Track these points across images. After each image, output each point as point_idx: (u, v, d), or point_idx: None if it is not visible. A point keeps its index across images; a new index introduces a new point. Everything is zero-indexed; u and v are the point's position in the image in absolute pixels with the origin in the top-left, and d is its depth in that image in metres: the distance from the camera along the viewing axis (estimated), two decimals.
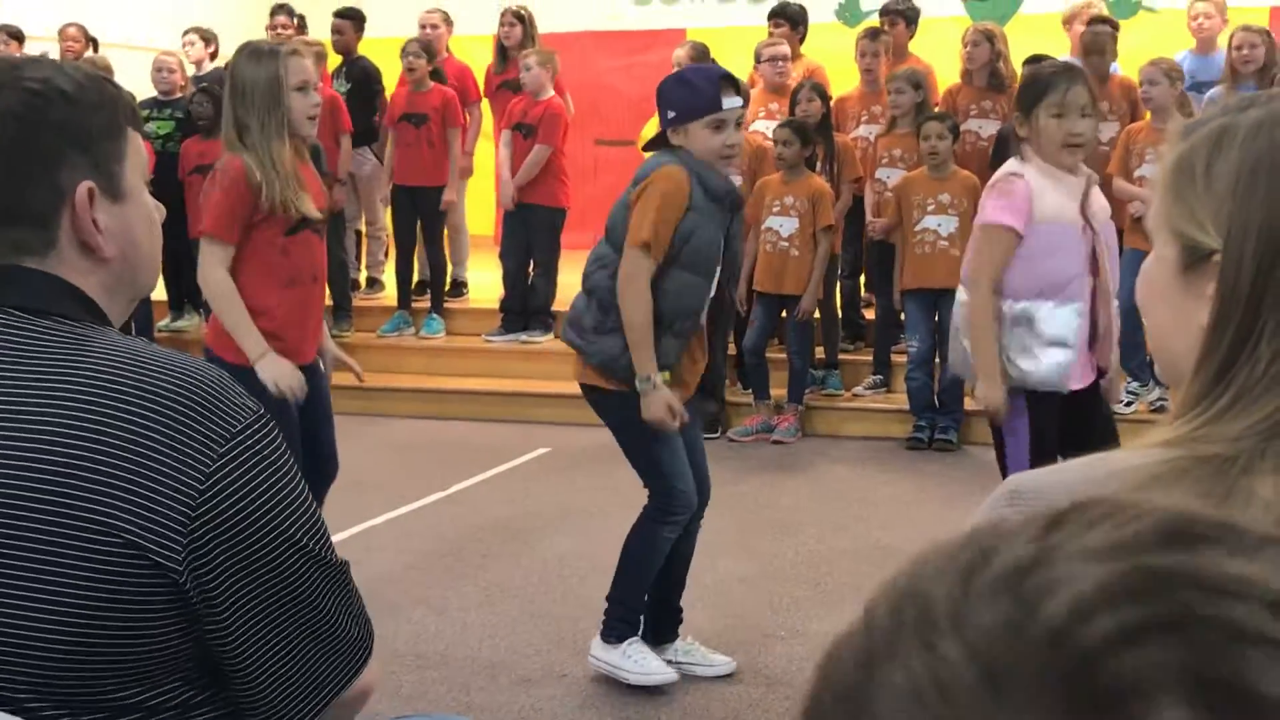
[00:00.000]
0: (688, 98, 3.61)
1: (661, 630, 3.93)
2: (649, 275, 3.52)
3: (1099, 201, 3.70)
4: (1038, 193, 3.60)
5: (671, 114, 3.62)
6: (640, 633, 3.86)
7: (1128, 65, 7.45)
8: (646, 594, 3.86)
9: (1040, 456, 3.64)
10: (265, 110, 3.58)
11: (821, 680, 0.47)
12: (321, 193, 3.83)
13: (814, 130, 6.98)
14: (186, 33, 8.83)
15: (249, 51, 3.70)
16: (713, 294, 3.71)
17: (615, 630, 3.84)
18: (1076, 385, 3.65)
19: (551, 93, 7.67)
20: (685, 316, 3.60)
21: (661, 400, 3.53)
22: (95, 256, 1.31)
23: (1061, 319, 3.60)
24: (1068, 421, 3.66)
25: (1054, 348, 3.61)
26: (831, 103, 7.21)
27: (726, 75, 3.68)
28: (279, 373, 3.58)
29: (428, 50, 7.96)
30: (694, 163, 3.57)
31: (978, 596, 0.44)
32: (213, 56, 8.79)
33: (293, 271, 3.70)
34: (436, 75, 8.07)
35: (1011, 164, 3.70)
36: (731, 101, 3.58)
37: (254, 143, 3.57)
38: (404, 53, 7.94)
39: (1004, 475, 3.65)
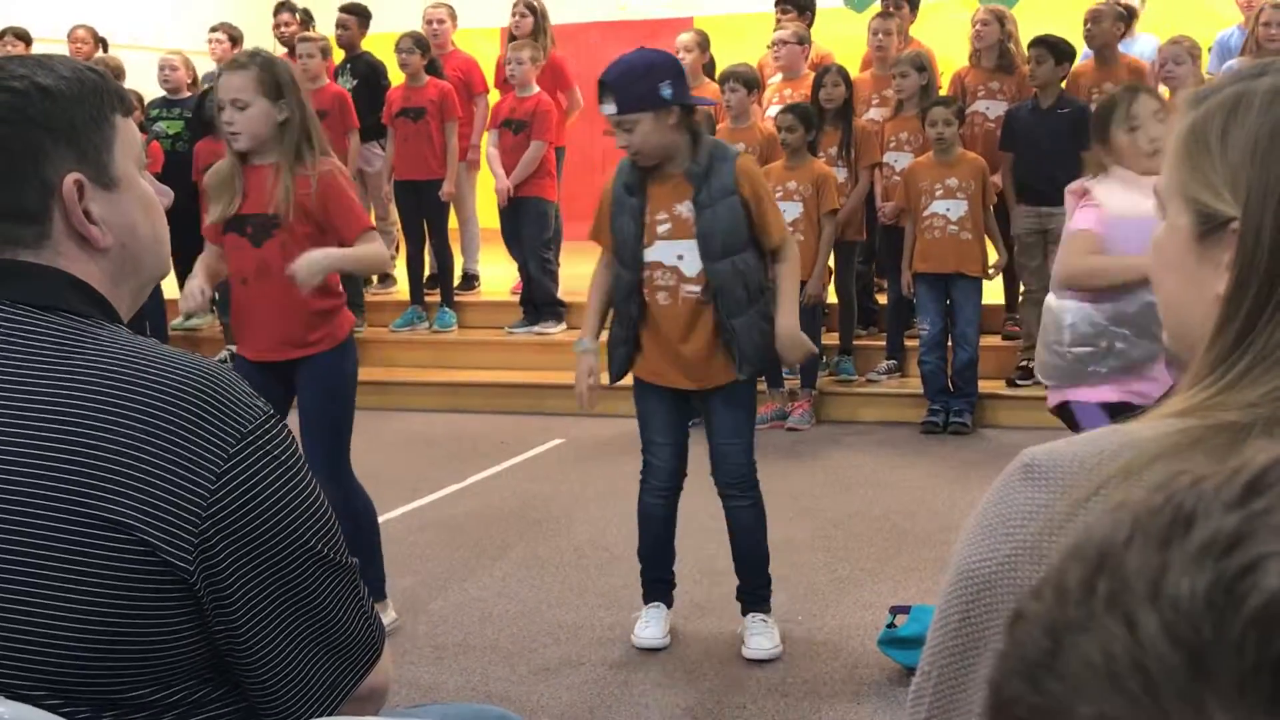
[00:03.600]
0: None
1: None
2: (603, 263, 3.96)
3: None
4: (1106, 193, 3.61)
5: None
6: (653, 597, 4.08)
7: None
8: (653, 558, 4.08)
9: None
10: None
11: (1010, 645, 0.45)
12: (265, 198, 3.78)
13: (835, 115, 6.98)
14: (214, 29, 8.84)
15: None
16: (658, 279, 3.81)
17: (643, 589, 4.11)
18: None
19: (537, 88, 7.74)
20: (619, 301, 3.91)
21: (580, 365, 3.92)
22: (92, 247, 1.31)
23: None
24: None
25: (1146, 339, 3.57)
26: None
27: (601, 81, 3.74)
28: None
29: (421, 45, 7.98)
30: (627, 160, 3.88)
31: (1178, 570, 0.42)
32: None
33: (229, 270, 3.96)
34: (433, 69, 8.08)
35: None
36: (603, 109, 3.73)
37: None
38: (398, 49, 7.95)
39: None
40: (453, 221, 8.42)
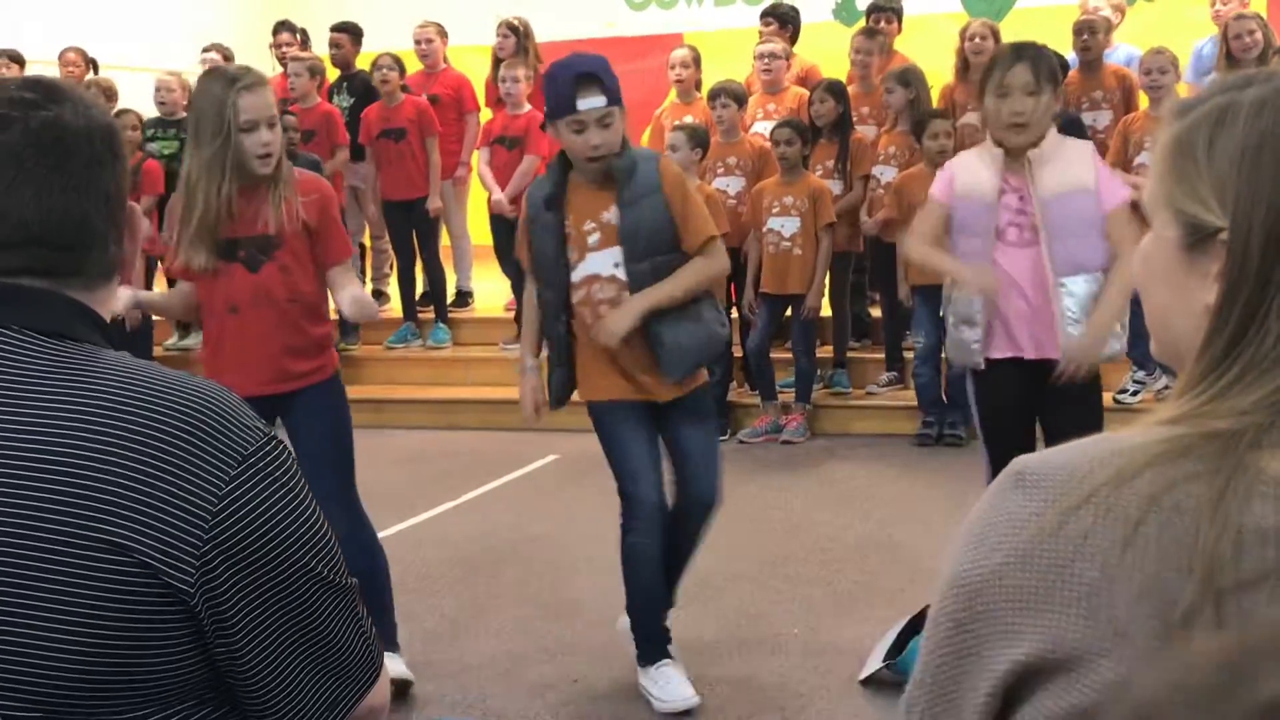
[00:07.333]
0: (550, 95, 3.57)
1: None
2: (530, 283, 3.83)
3: (1069, 173, 3.64)
4: (960, 169, 3.79)
5: (546, 109, 3.65)
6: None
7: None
8: (650, 609, 3.76)
9: (993, 429, 3.72)
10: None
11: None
12: (259, 219, 3.56)
13: (831, 128, 7.00)
14: (207, 49, 8.87)
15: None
16: (578, 292, 3.62)
17: (640, 652, 3.79)
18: (1008, 354, 3.72)
19: (528, 106, 7.81)
20: (546, 324, 3.75)
21: (525, 384, 3.82)
22: (113, 275, 1.35)
23: (964, 297, 3.75)
24: (1048, 403, 3.71)
25: (963, 326, 3.77)
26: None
27: (587, 73, 3.50)
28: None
29: (400, 64, 8.04)
30: (545, 175, 3.73)
31: None
32: None
33: (209, 301, 3.67)
34: (404, 87, 8.13)
35: None
36: (589, 102, 3.47)
37: None
38: (376, 66, 7.99)
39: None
40: (444, 239, 8.43)
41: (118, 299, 3.43)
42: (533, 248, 3.69)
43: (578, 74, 3.49)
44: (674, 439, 3.71)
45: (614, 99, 3.52)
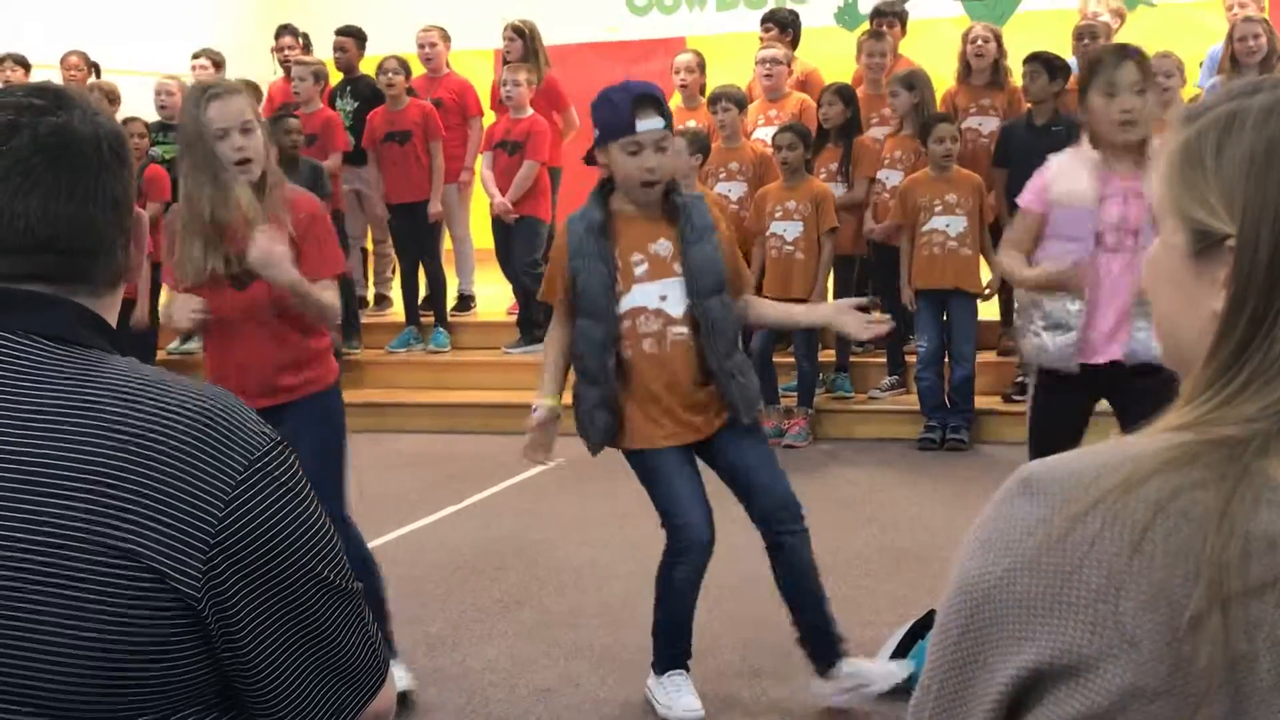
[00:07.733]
0: (605, 117, 3.51)
1: (819, 656, 3.74)
2: (558, 323, 3.68)
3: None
4: (1056, 176, 3.76)
5: (596, 133, 3.56)
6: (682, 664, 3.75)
7: None
8: (678, 628, 3.74)
9: (1049, 432, 3.71)
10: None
11: None
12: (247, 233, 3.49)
13: (837, 132, 7.01)
14: (197, 55, 8.87)
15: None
16: (617, 328, 3.54)
17: (657, 659, 3.78)
18: (1098, 359, 3.71)
19: (530, 110, 7.81)
20: (584, 358, 3.60)
21: (535, 427, 3.66)
22: (119, 281, 1.35)
23: (1060, 303, 3.73)
24: (1127, 401, 3.72)
25: (1055, 330, 3.75)
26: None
27: (646, 94, 3.47)
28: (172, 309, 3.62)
29: (405, 67, 8.05)
30: (588, 205, 3.58)
31: None
32: None
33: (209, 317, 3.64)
34: (409, 90, 8.15)
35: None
36: (647, 124, 3.42)
37: None
38: (381, 70, 8.01)
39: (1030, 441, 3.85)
40: (447, 243, 8.44)
41: (181, 317, 3.52)
42: (576, 281, 3.56)
43: (637, 95, 3.46)
44: (732, 460, 3.64)
45: (670, 124, 3.51)
